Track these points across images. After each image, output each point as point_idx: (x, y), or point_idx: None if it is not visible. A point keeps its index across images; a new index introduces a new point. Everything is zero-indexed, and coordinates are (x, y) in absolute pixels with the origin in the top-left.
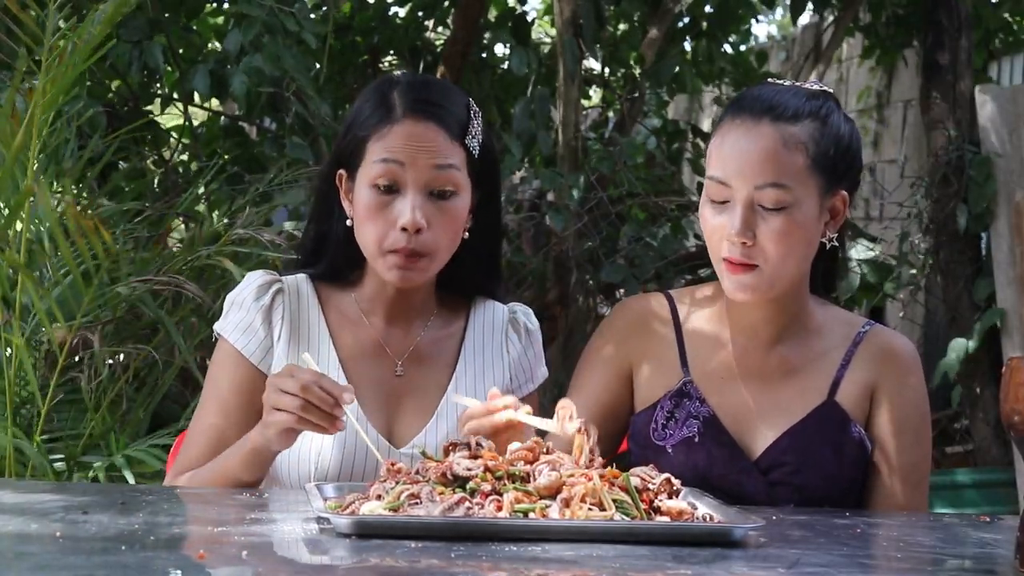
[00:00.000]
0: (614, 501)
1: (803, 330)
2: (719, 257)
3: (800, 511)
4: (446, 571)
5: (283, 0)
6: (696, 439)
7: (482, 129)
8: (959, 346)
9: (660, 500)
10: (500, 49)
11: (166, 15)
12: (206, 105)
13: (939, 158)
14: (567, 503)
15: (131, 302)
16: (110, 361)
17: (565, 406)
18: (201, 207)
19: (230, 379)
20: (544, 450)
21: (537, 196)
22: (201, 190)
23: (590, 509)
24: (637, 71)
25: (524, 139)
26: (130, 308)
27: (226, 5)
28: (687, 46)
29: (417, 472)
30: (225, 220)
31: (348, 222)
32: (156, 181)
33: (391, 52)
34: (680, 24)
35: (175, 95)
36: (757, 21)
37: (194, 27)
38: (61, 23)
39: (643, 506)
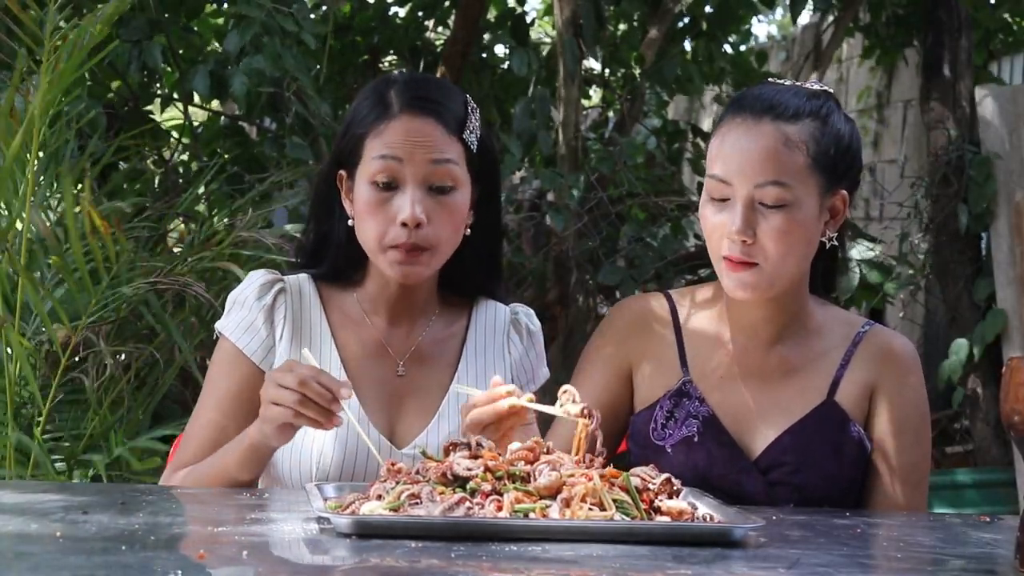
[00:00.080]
0: (614, 501)
1: (803, 330)
2: (719, 256)
3: (800, 511)
4: (446, 571)
5: (282, 0)
6: (695, 439)
7: (480, 125)
8: (961, 348)
9: (660, 500)
10: (500, 49)
11: (166, 15)
12: (206, 105)
13: (939, 158)
14: (567, 503)
15: (134, 303)
16: (109, 361)
17: (567, 390)
18: (201, 207)
19: (231, 378)
20: (544, 450)
21: (537, 196)
22: (201, 190)
23: (590, 509)
24: (637, 71)
25: (524, 139)
26: (131, 309)
27: (226, 6)
28: (687, 46)
29: (417, 472)
30: (225, 220)
31: (349, 222)
32: (156, 181)
33: (391, 52)
34: (680, 24)
35: (175, 95)
36: (760, 20)
37: (194, 27)
38: (62, 23)
39: (643, 506)
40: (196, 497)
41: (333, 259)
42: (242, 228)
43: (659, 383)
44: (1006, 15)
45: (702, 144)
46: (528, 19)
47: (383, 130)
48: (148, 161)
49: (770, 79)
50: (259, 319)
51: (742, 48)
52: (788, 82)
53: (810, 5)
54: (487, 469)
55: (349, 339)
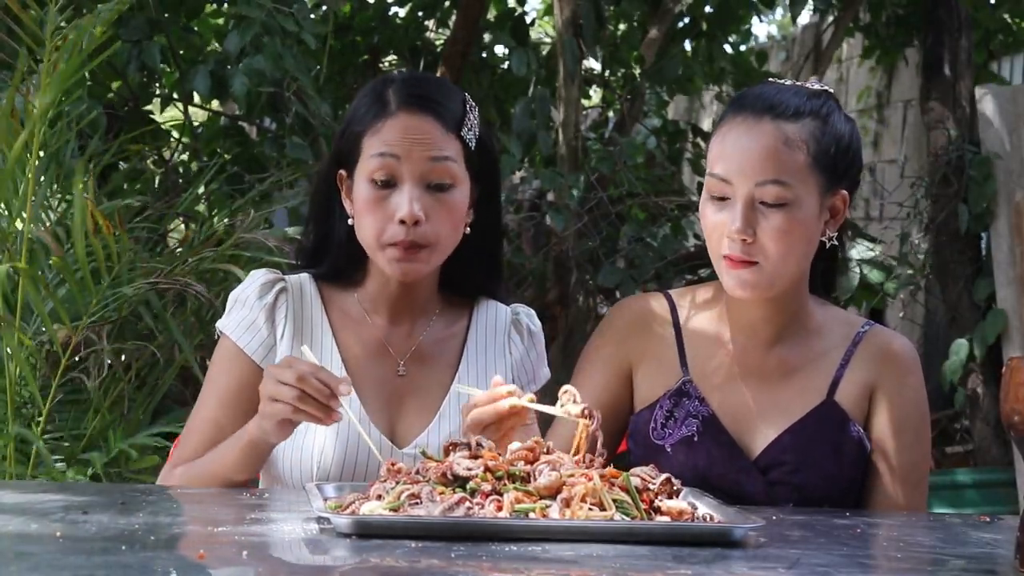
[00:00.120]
0: (614, 501)
1: (802, 330)
2: (719, 255)
3: (800, 511)
4: (446, 571)
5: (282, 0)
6: (695, 438)
7: (479, 123)
8: (961, 348)
9: (660, 500)
10: (500, 49)
11: (166, 15)
12: (206, 105)
13: (939, 158)
14: (567, 503)
15: (135, 303)
16: (109, 362)
17: (568, 390)
18: (201, 207)
19: (231, 375)
20: (544, 450)
21: (537, 196)
22: (201, 190)
23: (590, 509)
24: (637, 71)
25: (524, 139)
26: (131, 308)
27: (226, 6)
28: (687, 46)
29: (417, 472)
30: (225, 220)
31: (349, 221)
32: (156, 181)
33: (391, 52)
34: (680, 24)
35: (175, 95)
36: (761, 20)
37: (194, 27)
38: (62, 23)
39: (643, 506)
40: (196, 497)
41: (334, 259)
42: (243, 230)
43: (659, 383)
44: (1006, 16)
45: (702, 144)
46: (528, 19)
47: (381, 128)
48: (148, 161)
49: (770, 79)
50: (260, 318)
51: (742, 48)
52: (789, 82)
53: (810, 5)
54: (487, 469)
55: (350, 339)
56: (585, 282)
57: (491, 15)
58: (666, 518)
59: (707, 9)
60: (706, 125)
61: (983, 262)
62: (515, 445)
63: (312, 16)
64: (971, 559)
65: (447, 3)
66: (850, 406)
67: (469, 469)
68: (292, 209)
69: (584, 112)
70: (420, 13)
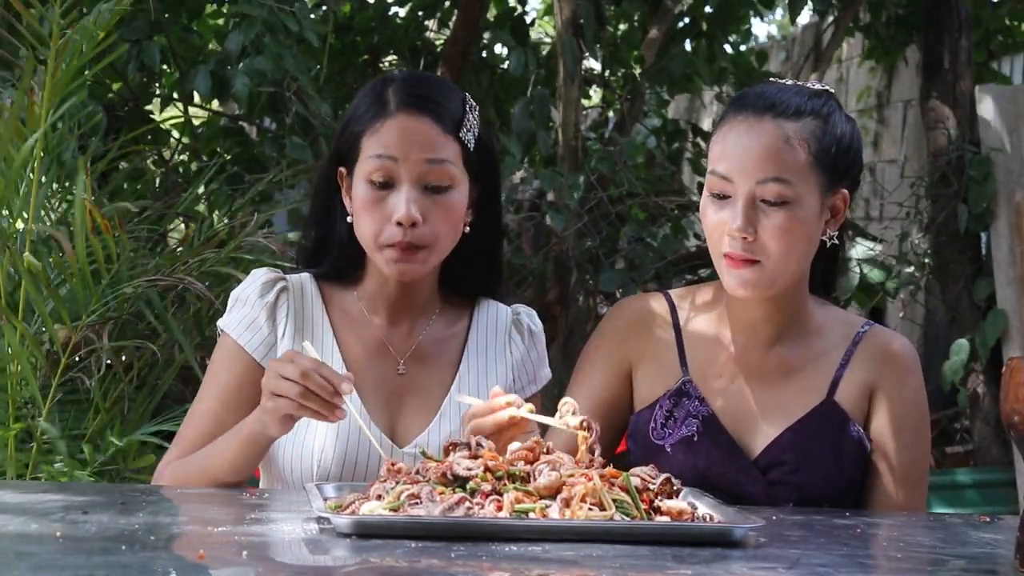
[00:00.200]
0: (614, 501)
1: (802, 330)
2: (720, 253)
3: (800, 511)
4: (446, 571)
5: (283, 0)
6: (695, 438)
7: (479, 124)
8: (962, 348)
9: (660, 500)
10: (500, 49)
11: (166, 15)
12: (206, 105)
13: (939, 158)
14: (567, 503)
15: (136, 302)
16: (109, 361)
17: (567, 402)
18: (201, 207)
19: (231, 372)
20: (544, 450)
21: (537, 196)
22: (201, 190)
23: (590, 509)
24: (637, 71)
25: (524, 139)
26: (132, 308)
27: (226, 6)
28: (687, 46)
29: (417, 472)
30: (226, 220)
31: (349, 219)
32: (156, 181)
33: (391, 52)
34: (680, 24)
35: (175, 95)
36: (761, 19)
37: (194, 28)
38: (65, 27)
39: (643, 506)
40: (196, 497)
41: (334, 257)
42: (246, 233)
43: (659, 383)
44: (1006, 17)
45: (702, 144)
46: (528, 19)
47: (379, 128)
48: (148, 161)
49: (771, 79)
50: (261, 316)
51: (742, 48)
52: (789, 82)
53: (810, 5)
54: (487, 469)
55: (350, 338)
56: (585, 282)
57: (491, 15)
58: (666, 518)
59: (707, 9)
60: (706, 125)
61: (983, 262)
62: (515, 445)
63: (312, 16)
64: (971, 559)
65: (447, 3)
66: (850, 406)
67: (469, 469)
68: (292, 211)
69: (584, 112)
70: (420, 13)
